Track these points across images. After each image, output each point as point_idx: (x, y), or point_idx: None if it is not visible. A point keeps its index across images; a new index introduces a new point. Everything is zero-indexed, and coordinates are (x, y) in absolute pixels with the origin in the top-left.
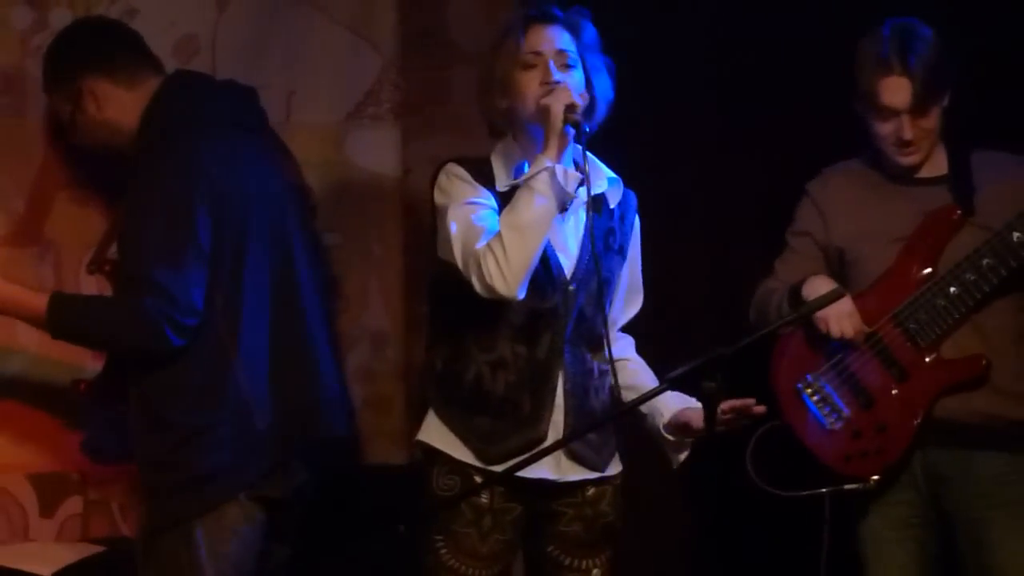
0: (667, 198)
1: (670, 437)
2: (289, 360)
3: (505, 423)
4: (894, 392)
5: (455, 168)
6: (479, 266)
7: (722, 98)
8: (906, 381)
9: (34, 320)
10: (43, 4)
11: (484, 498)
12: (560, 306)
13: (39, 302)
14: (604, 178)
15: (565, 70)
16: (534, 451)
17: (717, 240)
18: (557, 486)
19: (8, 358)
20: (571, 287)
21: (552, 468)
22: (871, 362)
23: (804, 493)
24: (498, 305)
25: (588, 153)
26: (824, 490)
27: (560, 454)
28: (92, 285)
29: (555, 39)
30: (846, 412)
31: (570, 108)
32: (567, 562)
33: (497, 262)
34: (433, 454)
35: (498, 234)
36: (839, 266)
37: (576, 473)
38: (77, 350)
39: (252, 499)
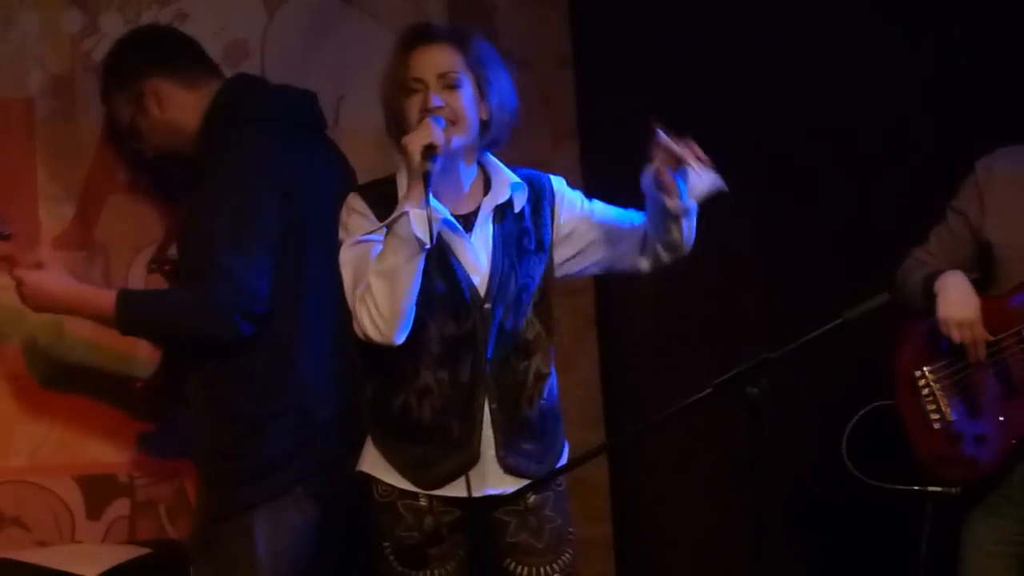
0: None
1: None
2: (349, 352)
3: (436, 448)
4: (1001, 407)
5: (353, 201)
6: (357, 314)
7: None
8: (1014, 399)
9: (102, 317)
10: (94, 8)
11: (423, 501)
12: (478, 328)
13: (107, 299)
14: (507, 185)
15: (448, 92)
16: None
17: (769, 243)
18: (495, 500)
19: (57, 360)
20: (486, 307)
21: (495, 484)
22: (986, 372)
23: (890, 487)
24: (416, 333)
25: (492, 157)
26: (915, 488)
27: (499, 470)
28: (141, 286)
29: (437, 61)
30: (950, 415)
31: (428, 149)
32: (525, 572)
33: (369, 311)
34: (372, 482)
35: (368, 282)
36: (987, 259)
37: (517, 484)
38: (126, 350)
39: (308, 495)
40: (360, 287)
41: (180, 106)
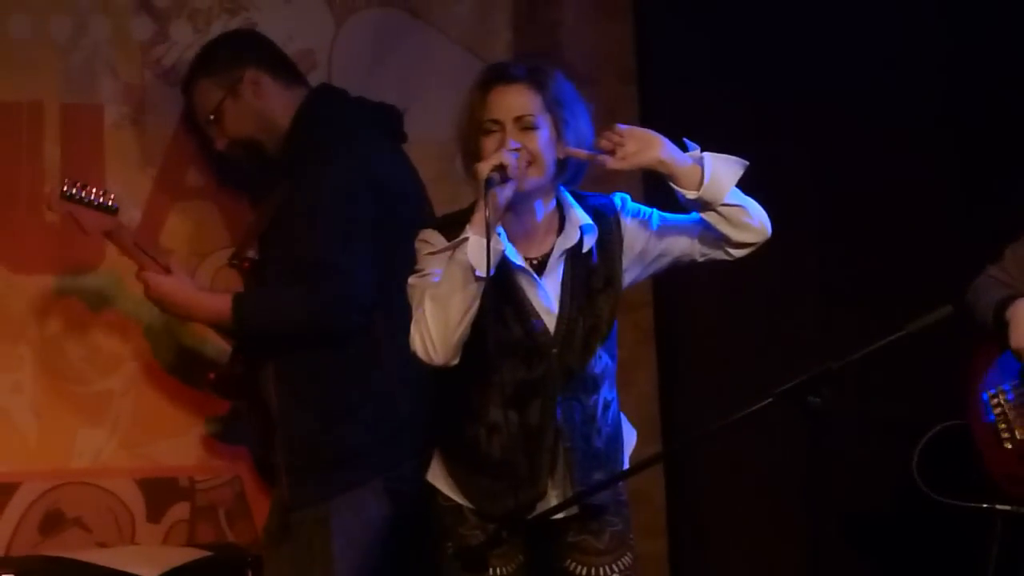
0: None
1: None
2: None
3: (503, 483)
4: None
5: (425, 233)
6: (411, 333)
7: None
8: None
9: (219, 321)
10: (164, 16)
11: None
12: (547, 374)
13: (222, 303)
14: (577, 227)
15: (525, 134)
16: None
17: (831, 255)
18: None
19: (119, 366)
20: (554, 351)
21: (567, 511)
22: None
23: (959, 504)
24: (486, 376)
25: (567, 194)
26: (984, 505)
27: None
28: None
29: (513, 104)
30: (1020, 433)
31: (498, 168)
32: (584, 572)
33: (421, 333)
34: (435, 492)
35: (424, 303)
36: None
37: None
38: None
39: (386, 489)
40: (419, 309)
41: (276, 99)
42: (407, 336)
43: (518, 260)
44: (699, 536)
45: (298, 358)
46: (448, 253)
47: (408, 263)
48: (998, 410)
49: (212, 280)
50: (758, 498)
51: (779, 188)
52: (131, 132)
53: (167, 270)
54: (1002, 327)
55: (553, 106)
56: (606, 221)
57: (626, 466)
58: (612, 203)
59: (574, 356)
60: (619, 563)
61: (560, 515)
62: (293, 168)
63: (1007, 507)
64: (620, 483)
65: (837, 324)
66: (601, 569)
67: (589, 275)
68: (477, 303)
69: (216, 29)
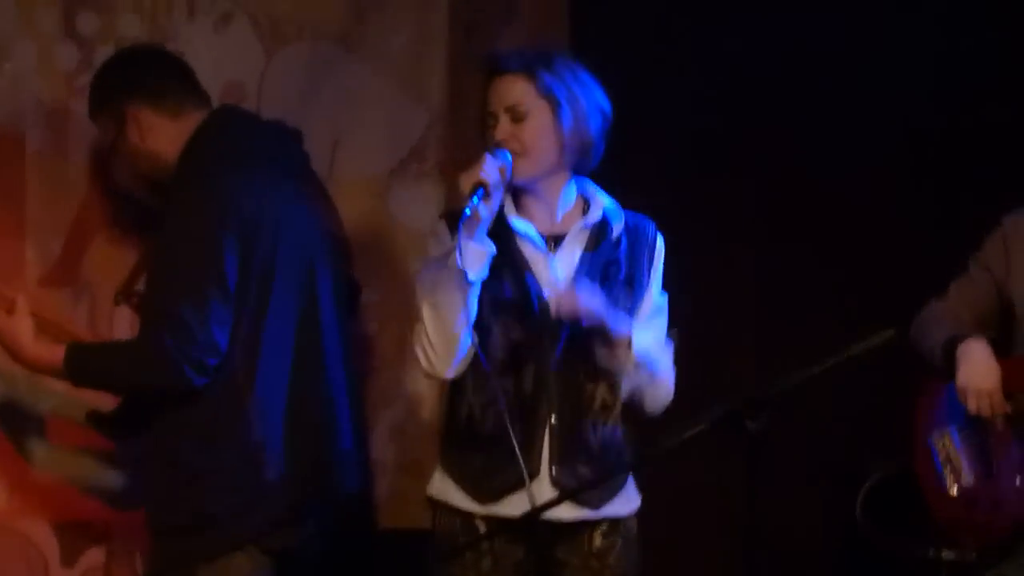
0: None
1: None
2: (305, 409)
3: (495, 459)
4: (1019, 471)
5: (436, 225)
6: (414, 346)
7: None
8: None
9: (53, 373)
10: (89, 44)
11: (484, 542)
12: (543, 335)
13: (58, 354)
14: (601, 208)
15: (516, 124)
16: (533, 509)
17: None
18: (558, 528)
19: (37, 402)
20: (551, 316)
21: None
22: (1005, 436)
23: (904, 549)
24: (482, 341)
25: (592, 185)
26: (930, 552)
27: (551, 488)
28: (125, 326)
29: (505, 94)
30: (967, 479)
31: (475, 187)
32: None
33: (422, 344)
34: (436, 505)
35: (422, 312)
36: (1007, 318)
37: (572, 512)
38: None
39: (262, 551)
40: (419, 321)
41: (162, 136)
42: (279, 394)
43: (527, 231)
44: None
45: (161, 413)
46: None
47: (288, 311)
48: (943, 454)
49: (133, 317)
50: (696, 530)
51: (720, 195)
52: (53, 161)
53: (10, 307)
54: (951, 363)
55: (547, 92)
56: (643, 233)
57: (633, 494)
58: (654, 227)
59: (578, 329)
60: None
61: (557, 517)
62: (167, 202)
63: (952, 554)
64: (632, 528)
65: (778, 345)
66: None
67: (610, 263)
68: (474, 307)
69: None
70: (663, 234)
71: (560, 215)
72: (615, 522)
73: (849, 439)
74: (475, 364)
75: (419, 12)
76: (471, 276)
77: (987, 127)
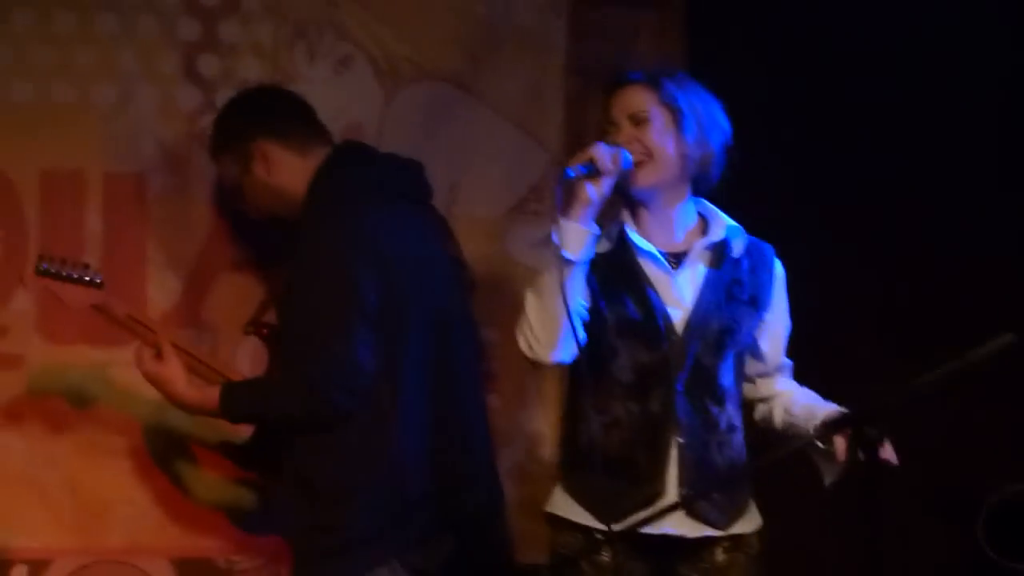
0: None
1: (820, 444)
2: (444, 428)
3: (621, 481)
4: None
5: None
6: (517, 335)
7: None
8: None
9: (212, 414)
10: (211, 86)
11: (606, 556)
12: (670, 357)
13: (212, 396)
14: (723, 227)
15: (638, 128)
16: (651, 511)
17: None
18: (682, 544)
19: (162, 433)
20: (681, 337)
21: (675, 525)
22: None
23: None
24: (606, 364)
25: (710, 205)
26: None
27: (681, 511)
28: (247, 365)
29: (628, 102)
30: None
31: (583, 161)
32: None
33: (523, 329)
34: (556, 522)
35: (526, 299)
36: None
37: (696, 530)
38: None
39: (406, 569)
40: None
41: (288, 170)
42: (419, 410)
43: (649, 247)
44: None
45: (299, 440)
46: None
47: (424, 335)
48: None
49: (254, 355)
50: (817, 549)
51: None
52: (175, 202)
53: (159, 349)
54: None
55: (669, 101)
56: (764, 256)
57: (754, 513)
58: (773, 252)
59: (705, 349)
60: None
61: (681, 534)
62: (298, 235)
63: None
64: (754, 545)
65: (892, 359)
66: None
67: (733, 282)
68: (579, 290)
69: None
70: (783, 259)
71: (680, 234)
72: (737, 539)
73: (968, 460)
74: (598, 386)
75: (536, 54)
76: (569, 255)
77: None
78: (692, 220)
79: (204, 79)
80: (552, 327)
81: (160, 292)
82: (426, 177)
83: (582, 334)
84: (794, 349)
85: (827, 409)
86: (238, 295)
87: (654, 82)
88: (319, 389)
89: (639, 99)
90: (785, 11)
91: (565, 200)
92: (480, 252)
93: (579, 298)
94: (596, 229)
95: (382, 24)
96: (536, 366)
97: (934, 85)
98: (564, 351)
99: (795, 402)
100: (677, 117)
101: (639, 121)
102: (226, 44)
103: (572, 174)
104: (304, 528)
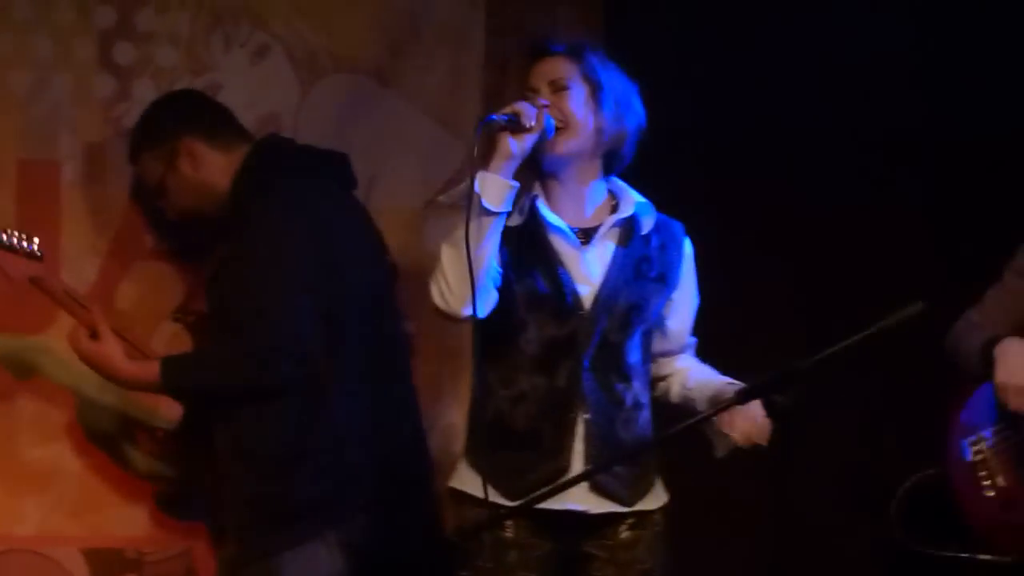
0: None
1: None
2: (381, 400)
3: (527, 456)
4: None
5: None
6: (431, 287)
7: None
8: None
9: (149, 388)
10: (127, 74)
11: (508, 532)
12: (578, 333)
13: (152, 369)
14: (632, 204)
15: (558, 95)
16: (554, 484)
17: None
18: (586, 521)
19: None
20: (589, 312)
21: (579, 500)
22: None
23: (939, 554)
24: (514, 338)
25: (621, 182)
26: (965, 555)
27: (585, 486)
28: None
29: (549, 69)
30: (1003, 480)
31: (512, 116)
32: None
33: (438, 281)
34: (460, 497)
35: (440, 254)
36: None
37: (600, 506)
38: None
39: (340, 543)
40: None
41: (214, 166)
42: (357, 382)
43: (559, 223)
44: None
45: (240, 411)
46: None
47: (361, 306)
48: (979, 456)
49: (169, 342)
50: (726, 527)
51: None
52: (89, 191)
53: (94, 326)
54: (989, 366)
55: (590, 74)
56: (673, 233)
57: (660, 491)
58: (683, 230)
59: (612, 325)
60: None
61: (586, 510)
62: (230, 220)
63: (988, 557)
64: (659, 522)
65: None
66: None
67: (642, 259)
68: (495, 243)
69: (180, 88)
70: (694, 236)
71: (590, 209)
72: (642, 515)
73: (882, 445)
74: (506, 360)
75: (454, 47)
76: (490, 205)
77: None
78: (602, 197)
79: (120, 67)
80: (467, 279)
81: (75, 280)
82: (351, 167)
83: (494, 294)
84: (706, 326)
85: (721, 382)
86: (152, 284)
87: (577, 54)
88: (264, 356)
89: (561, 68)
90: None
91: (487, 152)
92: (398, 244)
93: (495, 251)
94: (516, 183)
95: (300, 15)
96: (448, 319)
97: (844, 62)
98: (478, 305)
99: (690, 377)
100: (596, 91)
101: (559, 88)
102: (142, 32)
103: (495, 118)
104: (246, 498)
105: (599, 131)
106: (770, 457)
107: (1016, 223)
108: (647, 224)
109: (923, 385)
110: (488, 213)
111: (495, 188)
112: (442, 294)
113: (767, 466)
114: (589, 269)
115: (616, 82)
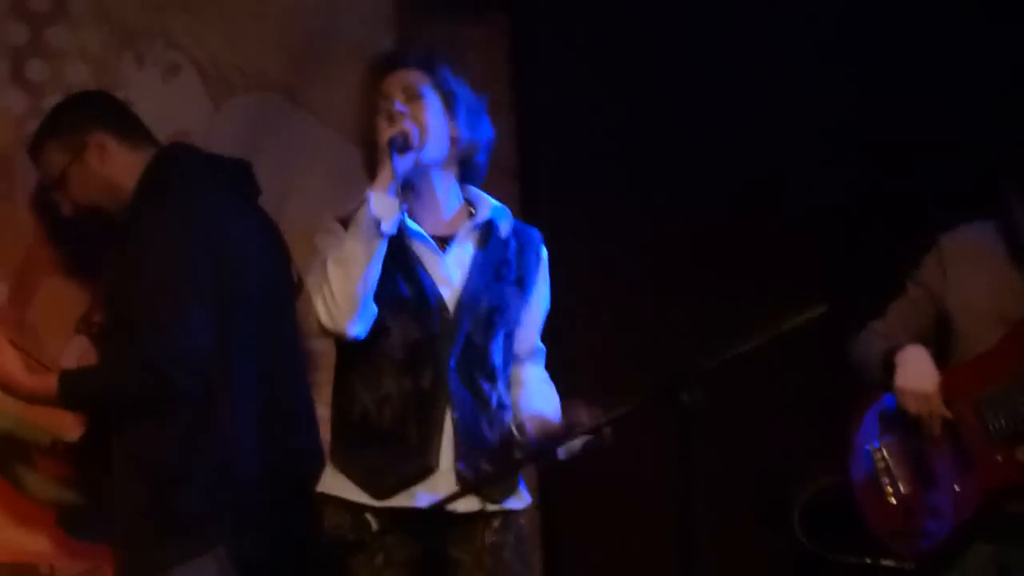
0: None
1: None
2: (275, 408)
3: (393, 454)
4: (955, 480)
5: (327, 223)
6: (313, 303)
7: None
8: (970, 472)
9: (52, 400)
10: (38, 90)
11: (374, 533)
12: (442, 335)
13: (51, 382)
14: (489, 208)
15: (412, 103)
16: (442, 499)
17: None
18: (451, 520)
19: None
20: (452, 314)
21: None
22: (942, 444)
23: (841, 560)
24: (377, 342)
25: (477, 190)
26: (867, 560)
27: (451, 481)
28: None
29: (402, 80)
30: (904, 487)
31: (398, 135)
32: None
33: (324, 298)
34: (326, 501)
35: (325, 270)
36: (945, 332)
37: (466, 504)
38: (54, 421)
39: (230, 557)
40: (318, 277)
41: (121, 162)
42: (252, 390)
43: (418, 229)
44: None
45: (132, 425)
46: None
47: (254, 320)
48: (880, 464)
49: (81, 358)
50: (637, 526)
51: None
52: (2, 206)
53: None
54: (889, 373)
55: (443, 84)
56: (531, 240)
57: (524, 490)
58: (539, 234)
59: (476, 327)
60: None
61: (451, 508)
62: (125, 225)
63: (891, 563)
64: (524, 525)
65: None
66: None
67: (500, 263)
68: (378, 265)
69: None
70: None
71: (447, 216)
72: (507, 516)
73: (784, 452)
74: (371, 363)
75: (364, 67)
76: (384, 227)
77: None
78: (458, 203)
79: (32, 83)
80: (355, 298)
81: None
82: (254, 175)
83: (374, 309)
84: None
85: (552, 425)
86: (63, 299)
87: (428, 66)
88: (157, 367)
89: (413, 78)
90: (607, 23)
91: (378, 175)
92: (305, 259)
93: (379, 271)
94: (405, 204)
95: (212, 33)
96: (331, 336)
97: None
98: (361, 323)
99: (523, 409)
100: (450, 100)
101: (413, 96)
102: (54, 49)
103: (400, 142)
104: (137, 510)
105: (454, 140)
106: (671, 461)
107: (923, 233)
108: (504, 228)
109: (827, 392)
110: (380, 235)
111: (388, 209)
112: (329, 312)
113: (668, 470)
114: (449, 272)
115: (467, 93)
